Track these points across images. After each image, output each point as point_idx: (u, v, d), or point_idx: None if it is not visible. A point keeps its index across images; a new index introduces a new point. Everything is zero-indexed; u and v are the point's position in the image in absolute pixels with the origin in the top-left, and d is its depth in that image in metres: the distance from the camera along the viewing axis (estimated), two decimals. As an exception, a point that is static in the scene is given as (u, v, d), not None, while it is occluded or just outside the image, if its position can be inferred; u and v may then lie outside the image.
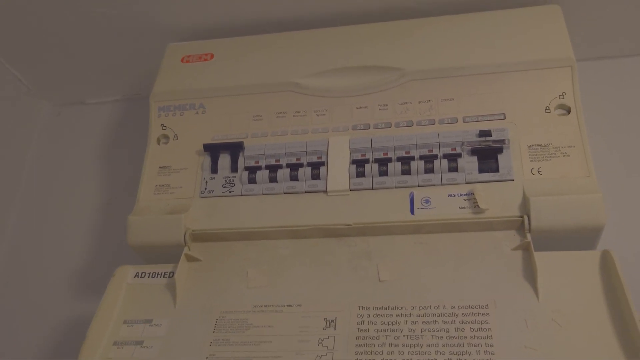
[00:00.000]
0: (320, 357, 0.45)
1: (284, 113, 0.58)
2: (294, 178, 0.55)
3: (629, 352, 0.41)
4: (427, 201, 0.51)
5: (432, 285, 0.48)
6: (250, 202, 0.55)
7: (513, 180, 0.51)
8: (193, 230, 0.54)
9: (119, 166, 0.75)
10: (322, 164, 0.55)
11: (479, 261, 0.48)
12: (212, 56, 0.64)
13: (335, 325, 0.47)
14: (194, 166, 0.58)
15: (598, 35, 0.65)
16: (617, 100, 0.65)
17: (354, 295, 0.49)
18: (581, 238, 0.48)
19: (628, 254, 0.51)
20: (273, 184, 0.55)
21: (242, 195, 0.55)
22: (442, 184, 0.52)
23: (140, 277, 0.53)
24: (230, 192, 0.56)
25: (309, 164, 0.55)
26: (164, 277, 0.53)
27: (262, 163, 0.56)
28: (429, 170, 0.52)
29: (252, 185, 0.55)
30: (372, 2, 0.63)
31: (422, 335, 0.45)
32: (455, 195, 0.51)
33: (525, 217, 0.48)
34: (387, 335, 0.45)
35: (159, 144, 0.60)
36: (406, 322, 0.46)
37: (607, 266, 0.46)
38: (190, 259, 0.54)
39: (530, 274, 0.47)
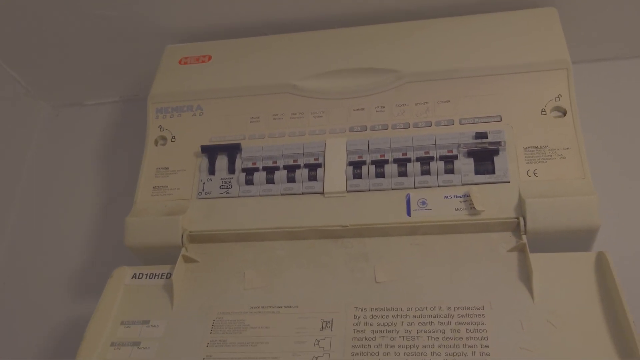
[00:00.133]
0: (316, 358, 0.45)
1: (281, 115, 0.59)
2: (291, 179, 0.55)
3: (624, 353, 0.41)
4: (423, 203, 0.52)
5: (428, 286, 0.48)
6: (247, 203, 0.55)
7: (509, 182, 0.51)
8: (190, 232, 0.54)
9: (117, 167, 0.75)
10: (319, 165, 0.55)
11: (475, 262, 0.49)
12: (210, 58, 0.64)
13: (331, 326, 0.47)
14: (192, 168, 0.58)
15: (594, 38, 0.65)
16: (613, 103, 0.65)
17: (350, 296, 0.49)
18: (576, 240, 0.49)
19: (623, 256, 0.51)
20: (270, 186, 0.55)
21: (239, 196, 0.56)
22: (438, 186, 0.52)
23: (138, 278, 0.54)
24: (228, 193, 0.56)
25: (306, 166, 0.55)
26: (161, 278, 0.53)
27: (260, 164, 0.56)
28: (426, 172, 0.53)
29: (249, 187, 0.56)
30: (369, 5, 0.63)
31: (418, 336, 0.45)
32: (451, 197, 0.51)
33: (521, 219, 0.49)
34: (383, 336, 0.46)
35: (156, 146, 0.61)
36: (402, 323, 0.46)
37: (602, 267, 0.46)
38: (188, 260, 0.54)
39: (525, 275, 0.47)
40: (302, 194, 0.54)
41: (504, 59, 0.56)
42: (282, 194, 0.55)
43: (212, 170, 0.57)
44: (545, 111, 0.53)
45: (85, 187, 0.75)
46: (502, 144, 0.52)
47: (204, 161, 0.58)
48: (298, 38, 0.63)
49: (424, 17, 0.62)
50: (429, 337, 0.45)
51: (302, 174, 0.55)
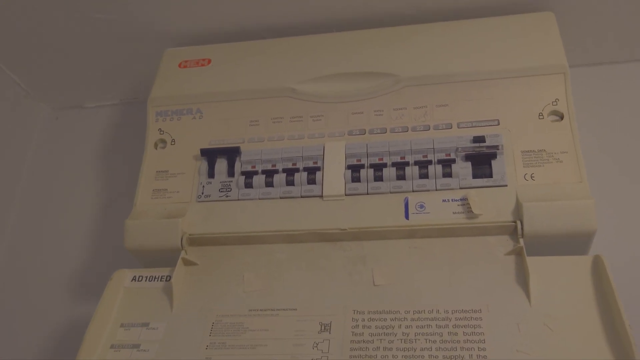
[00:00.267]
0: (315, 361, 0.46)
1: (280, 118, 0.59)
2: (290, 183, 0.55)
3: (619, 356, 0.42)
4: (421, 206, 0.52)
5: (426, 289, 0.48)
6: (246, 206, 0.55)
7: (506, 185, 0.51)
8: (190, 235, 0.55)
9: (116, 170, 0.76)
10: (318, 169, 0.55)
11: (473, 266, 0.49)
12: (210, 61, 0.64)
13: (330, 329, 0.47)
14: (191, 171, 0.58)
15: (591, 42, 0.66)
16: (610, 106, 0.66)
17: (348, 299, 0.49)
18: (573, 243, 0.49)
19: (619, 259, 0.51)
20: (269, 189, 0.56)
21: (238, 199, 0.56)
22: (436, 189, 0.52)
23: (138, 280, 0.54)
24: (227, 196, 0.56)
25: (305, 169, 0.56)
26: (160, 280, 0.53)
27: (259, 168, 0.57)
28: (424, 176, 0.53)
29: (248, 190, 0.56)
30: (367, 9, 0.63)
31: (415, 339, 0.45)
32: (449, 201, 0.52)
33: (518, 223, 0.49)
34: (381, 339, 0.46)
35: (156, 149, 0.61)
36: (400, 326, 0.46)
37: (598, 271, 0.46)
38: (187, 262, 0.54)
39: (522, 278, 0.47)
40: (301, 197, 0.55)
41: (502, 63, 0.56)
42: (281, 197, 0.55)
43: (211, 174, 0.58)
44: (542, 115, 0.54)
45: (85, 189, 0.75)
46: (500, 147, 0.52)
47: (204, 164, 0.58)
48: (297, 42, 0.63)
49: (422, 21, 0.62)
50: (426, 340, 0.45)
51: (301, 177, 0.55)
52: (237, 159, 0.58)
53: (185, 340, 0.49)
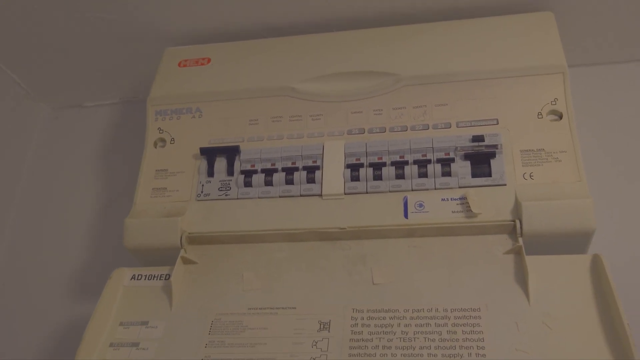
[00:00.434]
0: (314, 359, 0.46)
1: (279, 117, 0.59)
2: (289, 182, 0.55)
3: (618, 354, 0.42)
4: (420, 205, 0.52)
5: (425, 288, 0.48)
6: (246, 205, 0.56)
7: (505, 185, 0.51)
8: (189, 233, 0.55)
9: (116, 169, 0.76)
10: (317, 168, 0.55)
11: (472, 265, 0.49)
12: (209, 60, 0.64)
13: (329, 327, 0.47)
14: (191, 169, 0.59)
15: (590, 42, 0.66)
16: (609, 106, 0.66)
17: (348, 298, 0.49)
18: (572, 242, 0.49)
19: (618, 258, 0.52)
20: (269, 188, 0.56)
21: (238, 198, 0.56)
22: (435, 188, 0.52)
23: (137, 279, 0.54)
24: (227, 195, 0.56)
25: (304, 168, 0.56)
26: (160, 279, 0.53)
27: (258, 167, 0.57)
28: (423, 175, 0.53)
29: (248, 189, 0.56)
30: (367, 8, 0.64)
31: (414, 338, 0.45)
32: (448, 200, 0.52)
33: (517, 222, 0.49)
34: (380, 338, 0.46)
35: (155, 148, 0.61)
36: (399, 324, 0.46)
37: (597, 270, 0.46)
38: (187, 261, 0.54)
39: (521, 277, 0.47)
40: (301, 196, 0.55)
41: (501, 63, 0.56)
42: (280, 196, 0.55)
43: (211, 172, 0.58)
44: (541, 114, 0.54)
45: (85, 188, 0.75)
46: (499, 147, 0.52)
47: (203, 163, 0.58)
48: (297, 41, 0.63)
49: (421, 20, 0.62)
50: (425, 338, 0.45)
51: (300, 176, 0.55)
52: (237, 158, 0.58)
53: (184, 339, 0.49)
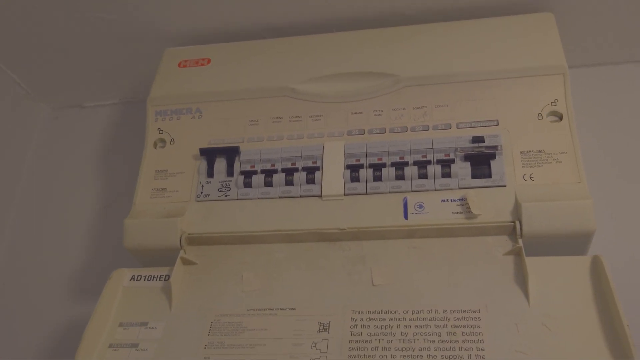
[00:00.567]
0: (313, 360, 0.46)
1: (279, 118, 0.59)
2: (289, 182, 0.55)
3: (618, 356, 0.42)
4: (420, 206, 0.52)
5: (424, 289, 0.48)
6: (245, 206, 0.55)
7: (505, 186, 0.51)
8: (189, 234, 0.55)
9: (116, 169, 0.76)
10: (317, 168, 0.55)
11: (471, 266, 0.49)
12: (209, 61, 0.64)
13: (328, 328, 0.47)
14: (190, 170, 0.58)
15: (590, 43, 0.66)
16: (609, 107, 0.66)
17: (347, 299, 0.49)
18: (572, 243, 0.49)
19: (618, 259, 0.52)
20: (268, 189, 0.56)
21: (237, 199, 0.56)
22: (435, 190, 0.52)
23: (136, 280, 0.54)
24: (226, 196, 0.56)
25: (304, 169, 0.56)
26: (159, 280, 0.53)
27: (258, 167, 0.57)
28: (423, 176, 0.53)
29: (247, 190, 0.56)
30: (367, 9, 0.64)
31: (414, 339, 0.45)
32: (448, 201, 0.52)
33: (517, 223, 0.49)
34: (379, 339, 0.46)
35: (155, 148, 0.61)
36: (399, 326, 0.46)
37: (597, 271, 0.46)
38: (186, 262, 0.54)
39: (521, 278, 0.47)
40: (300, 197, 0.55)
41: (501, 64, 0.56)
42: (280, 197, 0.55)
43: (210, 173, 0.58)
44: (541, 116, 0.54)
45: (85, 188, 0.75)
46: (499, 148, 0.52)
47: (203, 164, 0.58)
48: (297, 42, 0.63)
49: (421, 21, 0.62)
50: (425, 340, 0.45)
51: (300, 177, 0.55)
52: (237, 158, 0.58)
53: (184, 340, 0.49)
